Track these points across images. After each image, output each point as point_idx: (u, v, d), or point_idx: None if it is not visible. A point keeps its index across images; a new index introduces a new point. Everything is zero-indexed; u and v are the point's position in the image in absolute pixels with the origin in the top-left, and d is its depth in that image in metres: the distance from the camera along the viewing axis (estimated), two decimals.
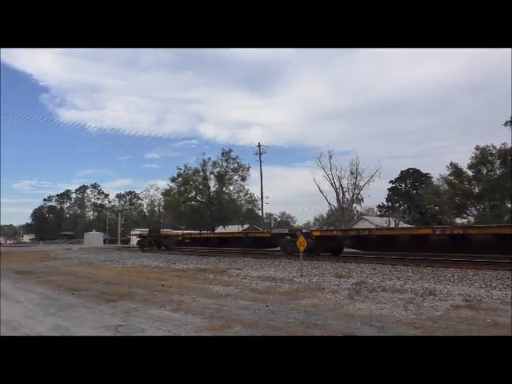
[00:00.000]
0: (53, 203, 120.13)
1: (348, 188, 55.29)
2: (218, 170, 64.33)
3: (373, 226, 51.86)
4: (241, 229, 62.63)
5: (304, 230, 19.04)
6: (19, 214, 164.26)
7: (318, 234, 18.68)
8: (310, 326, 5.78)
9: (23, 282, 12.43)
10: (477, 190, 43.39)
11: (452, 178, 45.42)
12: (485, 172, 43.14)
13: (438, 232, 14.13)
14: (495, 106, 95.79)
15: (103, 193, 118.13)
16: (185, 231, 43.60)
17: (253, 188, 79.29)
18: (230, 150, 64.08)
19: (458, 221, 48.15)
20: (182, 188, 64.05)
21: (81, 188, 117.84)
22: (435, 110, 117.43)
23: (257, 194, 60.24)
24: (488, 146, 42.73)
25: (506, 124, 40.25)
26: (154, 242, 30.69)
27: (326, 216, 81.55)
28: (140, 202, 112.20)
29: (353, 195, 55.87)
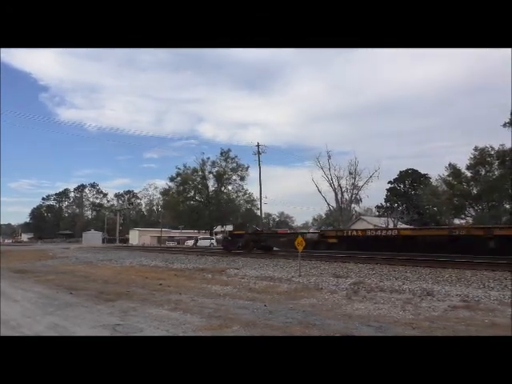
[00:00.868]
0: (51, 202, 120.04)
1: (347, 188, 55.38)
2: (216, 169, 64.44)
3: (371, 226, 52.07)
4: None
5: None
6: (18, 213, 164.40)
7: None
8: (308, 326, 5.78)
9: (21, 281, 12.42)
10: (475, 191, 43.48)
11: (450, 178, 45.51)
12: (483, 173, 43.21)
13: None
14: (495, 106, 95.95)
15: (102, 192, 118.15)
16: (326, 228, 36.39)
17: (251, 188, 79.40)
18: (229, 150, 64.19)
19: (457, 221, 48.27)
20: (181, 187, 64.11)
21: (79, 187, 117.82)
22: (434, 110, 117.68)
23: (255, 194, 60.33)
24: (487, 147, 42.88)
25: (504, 125, 40.37)
26: (252, 243, 23.15)
27: (324, 216, 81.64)
28: (139, 201, 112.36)
29: (351, 195, 55.95)
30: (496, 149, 42.17)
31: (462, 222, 47.36)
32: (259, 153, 49.72)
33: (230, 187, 65.51)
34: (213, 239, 53.27)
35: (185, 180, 63.39)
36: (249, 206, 66.54)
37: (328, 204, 56.42)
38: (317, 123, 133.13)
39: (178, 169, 64.74)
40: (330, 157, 54.83)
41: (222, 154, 64.00)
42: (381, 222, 51.58)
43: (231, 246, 23.95)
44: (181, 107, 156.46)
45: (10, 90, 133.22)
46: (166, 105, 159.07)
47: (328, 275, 11.84)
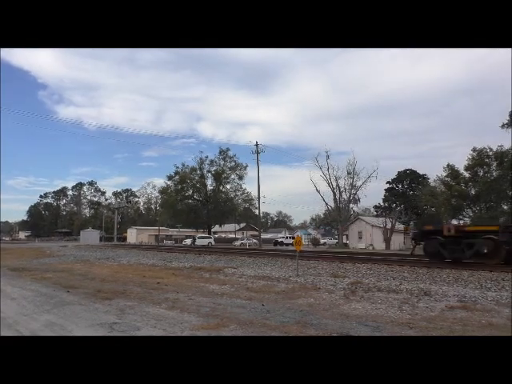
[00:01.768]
0: (49, 200, 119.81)
1: (345, 188, 55.54)
2: (215, 168, 64.49)
3: (369, 227, 52.12)
4: (237, 227, 62.97)
5: None
6: (16, 211, 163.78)
7: None
8: (305, 326, 5.77)
9: (18, 279, 12.38)
10: (473, 192, 43.51)
11: (449, 179, 45.54)
12: (481, 174, 43.26)
13: None
14: (494, 107, 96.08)
15: (100, 190, 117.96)
16: None
17: (250, 187, 79.35)
18: (228, 149, 64.25)
19: (454, 222, 48.34)
20: (179, 186, 64.04)
21: (77, 185, 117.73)
22: (434, 111, 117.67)
23: (254, 193, 60.36)
24: (485, 148, 42.87)
25: (502, 126, 40.42)
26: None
27: (322, 216, 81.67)
28: (137, 199, 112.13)
29: (349, 195, 56.12)
30: (494, 150, 42.24)
31: (460, 222, 47.44)
32: (258, 152, 49.73)
33: (228, 186, 65.59)
34: (211, 238, 53.26)
35: (183, 178, 63.36)
36: (247, 205, 66.55)
37: (326, 204, 56.57)
38: (316, 123, 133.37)
39: (177, 167, 64.80)
40: (328, 156, 55.01)
41: (220, 152, 64.09)
42: (379, 221, 51.60)
43: (431, 251, 14.54)
44: (180, 106, 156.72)
45: (8, 88, 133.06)
46: (166, 103, 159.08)
47: (326, 275, 11.86)
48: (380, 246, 47.71)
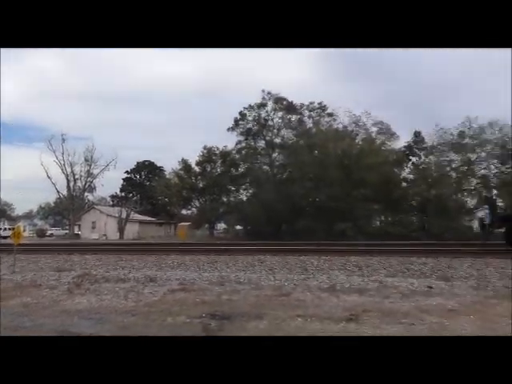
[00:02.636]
0: None
1: (80, 176, 52.33)
2: None
3: (104, 216, 50.85)
4: None
5: None
6: None
7: None
8: (16, 330, 5.10)
9: None
10: (201, 185, 48.80)
11: (182, 172, 49.52)
12: (209, 169, 48.95)
13: None
14: (223, 111, 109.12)
15: None
16: None
17: None
18: None
19: (184, 212, 53.10)
20: None
21: None
22: (174, 106, 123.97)
23: None
24: (213, 147, 48.69)
25: (228, 129, 46.84)
26: None
27: (53, 204, 74.20)
28: None
29: (85, 183, 53.25)
30: (220, 149, 48.49)
31: (189, 212, 52.49)
32: None
33: None
34: None
35: None
36: None
37: (58, 191, 51.88)
38: (52, 101, 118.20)
39: None
40: (64, 140, 50.60)
41: None
42: (115, 211, 51.01)
43: None
44: None
45: None
46: None
47: (49, 270, 10.91)
48: (114, 235, 47.29)
